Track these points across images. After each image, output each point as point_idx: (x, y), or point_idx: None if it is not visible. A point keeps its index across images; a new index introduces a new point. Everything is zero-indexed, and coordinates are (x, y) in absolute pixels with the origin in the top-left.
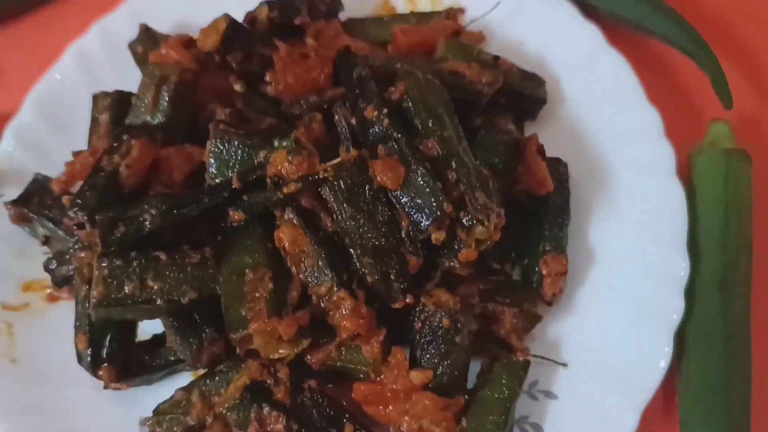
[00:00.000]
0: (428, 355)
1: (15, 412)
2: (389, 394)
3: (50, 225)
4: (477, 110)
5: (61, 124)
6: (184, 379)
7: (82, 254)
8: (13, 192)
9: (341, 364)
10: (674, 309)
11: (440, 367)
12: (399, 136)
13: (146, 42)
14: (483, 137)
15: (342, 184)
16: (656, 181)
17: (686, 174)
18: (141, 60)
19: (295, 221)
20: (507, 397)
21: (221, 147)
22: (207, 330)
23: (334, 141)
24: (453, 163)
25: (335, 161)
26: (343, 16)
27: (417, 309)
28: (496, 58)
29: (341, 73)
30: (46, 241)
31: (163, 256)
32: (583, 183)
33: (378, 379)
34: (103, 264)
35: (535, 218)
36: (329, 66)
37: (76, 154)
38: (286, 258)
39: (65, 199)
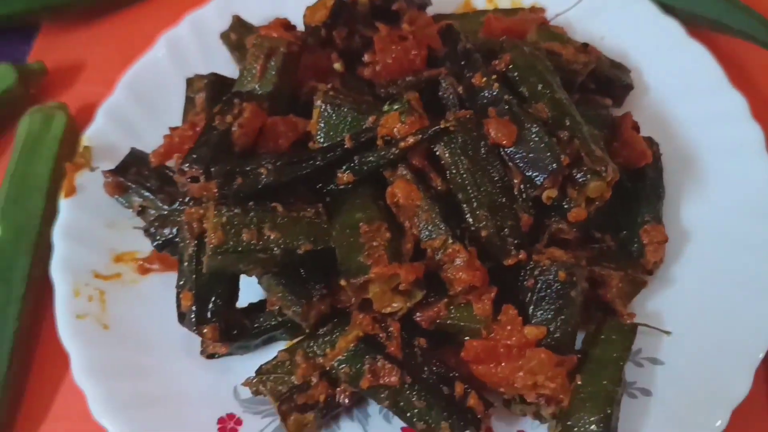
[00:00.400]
0: (541, 311)
1: (108, 375)
2: (502, 351)
3: (147, 194)
4: (572, 90)
5: (151, 106)
6: (281, 348)
7: (192, 210)
8: (106, 167)
9: (451, 322)
10: None
11: (554, 324)
12: (510, 97)
13: (239, 30)
14: (582, 111)
15: (459, 138)
16: (747, 159)
17: None
18: (235, 46)
19: (408, 177)
20: (619, 356)
21: (330, 111)
22: (317, 286)
23: (431, 119)
24: (566, 121)
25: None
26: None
27: (529, 267)
28: (585, 45)
29: (446, 45)
30: (141, 211)
31: (279, 208)
32: (673, 164)
33: (489, 336)
34: (222, 211)
35: (632, 193)
36: (424, 49)
37: (173, 129)
38: (398, 214)
39: (177, 157)
